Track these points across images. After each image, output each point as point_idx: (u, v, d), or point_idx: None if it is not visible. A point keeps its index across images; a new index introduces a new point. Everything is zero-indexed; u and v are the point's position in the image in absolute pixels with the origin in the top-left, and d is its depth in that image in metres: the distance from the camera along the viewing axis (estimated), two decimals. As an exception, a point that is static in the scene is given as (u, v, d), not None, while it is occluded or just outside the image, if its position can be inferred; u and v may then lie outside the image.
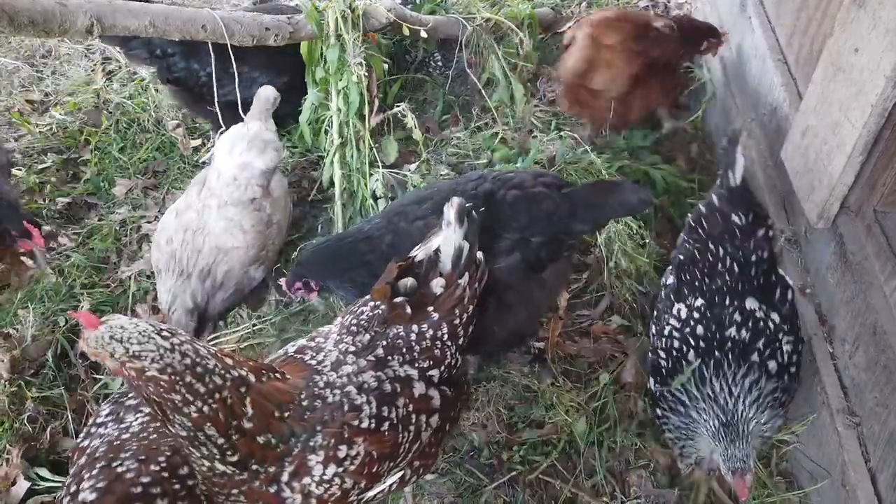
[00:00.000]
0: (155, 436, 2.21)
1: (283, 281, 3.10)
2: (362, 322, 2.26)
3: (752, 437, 2.34)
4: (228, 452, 1.90)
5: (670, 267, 2.85)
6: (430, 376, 2.27)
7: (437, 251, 2.34)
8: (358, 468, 2.07)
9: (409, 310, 2.26)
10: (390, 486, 2.27)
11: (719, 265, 2.59)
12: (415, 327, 2.26)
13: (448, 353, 2.31)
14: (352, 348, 2.20)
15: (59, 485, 2.79)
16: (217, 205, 3.22)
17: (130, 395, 2.45)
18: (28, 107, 4.58)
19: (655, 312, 2.79)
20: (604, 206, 2.87)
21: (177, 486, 2.09)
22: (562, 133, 3.91)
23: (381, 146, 3.91)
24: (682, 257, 2.74)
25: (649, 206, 2.93)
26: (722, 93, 3.95)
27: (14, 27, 2.68)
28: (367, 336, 2.23)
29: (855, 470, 2.45)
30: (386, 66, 3.94)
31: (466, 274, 2.34)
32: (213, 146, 3.68)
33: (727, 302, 2.51)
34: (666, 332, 2.61)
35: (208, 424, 1.85)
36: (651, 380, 2.67)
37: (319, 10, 3.37)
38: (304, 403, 2.03)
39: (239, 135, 3.30)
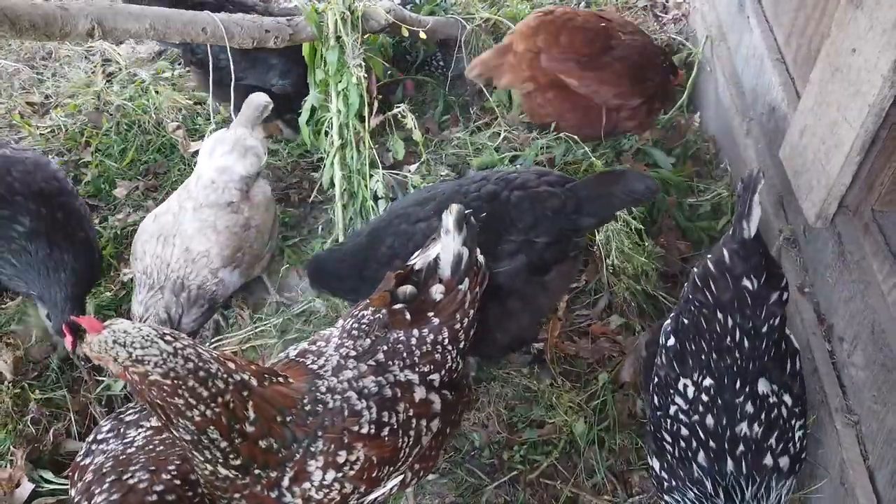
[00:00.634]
0: (161, 447, 2.22)
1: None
2: (363, 326, 2.26)
3: None
4: (231, 456, 1.92)
5: (668, 322, 2.61)
6: (431, 380, 2.27)
7: (436, 259, 2.33)
8: (357, 473, 2.08)
9: (408, 316, 2.26)
10: (391, 489, 2.27)
11: (728, 339, 2.36)
12: (415, 332, 2.26)
13: (449, 357, 2.31)
14: (353, 353, 2.20)
15: (63, 487, 2.80)
16: (193, 207, 3.18)
17: (129, 410, 2.46)
18: (28, 109, 4.59)
19: (657, 379, 2.54)
20: (610, 197, 2.80)
21: (190, 493, 2.11)
22: (562, 133, 3.92)
23: (388, 145, 3.93)
24: (686, 321, 2.48)
25: (656, 193, 2.85)
26: (721, 92, 3.95)
27: (15, 31, 2.68)
28: (368, 340, 2.23)
29: (853, 468, 2.45)
30: (389, 71, 3.96)
31: (467, 279, 2.33)
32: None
33: (738, 386, 2.34)
34: (672, 413, 2.43)
35: (211, 428, 1.87)
36: (655, 462, 2.49)
37: (319, 12, 3.38)
38: (307, 408, 2.04)
39: (221, 139, 3.28)
